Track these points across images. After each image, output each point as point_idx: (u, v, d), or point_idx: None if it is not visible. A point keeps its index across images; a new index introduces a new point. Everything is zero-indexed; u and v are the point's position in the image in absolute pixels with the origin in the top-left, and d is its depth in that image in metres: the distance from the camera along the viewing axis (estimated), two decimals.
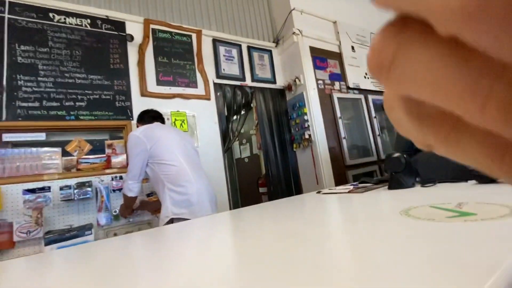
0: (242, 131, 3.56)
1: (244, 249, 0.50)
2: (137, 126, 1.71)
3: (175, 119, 2.30)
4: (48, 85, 1.82)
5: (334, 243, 0.46)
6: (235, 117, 3.19)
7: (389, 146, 3.36)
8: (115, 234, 1.88)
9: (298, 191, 2.95)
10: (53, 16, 1.95)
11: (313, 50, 2.99)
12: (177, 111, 2.32)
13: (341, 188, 1.22)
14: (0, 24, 1.79)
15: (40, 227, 1.62)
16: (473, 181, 0.84)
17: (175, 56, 2.38)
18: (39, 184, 1.68)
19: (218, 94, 2.66)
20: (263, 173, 3.11)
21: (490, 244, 0.33)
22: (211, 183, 1.73)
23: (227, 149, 2.73)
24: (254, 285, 0.29)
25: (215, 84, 2.61)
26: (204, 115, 2.48)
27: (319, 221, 0.66)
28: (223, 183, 2.49)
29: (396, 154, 1.01)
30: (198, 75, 2.49)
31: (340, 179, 2.78)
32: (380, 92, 3.53)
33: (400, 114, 0.09)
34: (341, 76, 3.19)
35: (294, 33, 2.86)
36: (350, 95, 3.22)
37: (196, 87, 2.47)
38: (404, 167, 0.99)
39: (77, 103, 1.91)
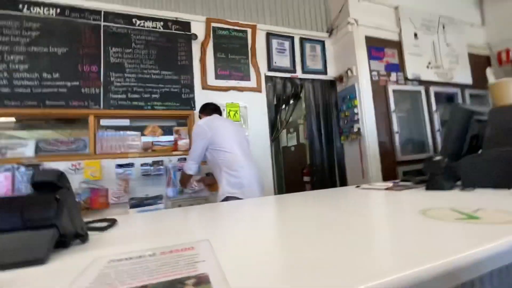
0: (290, 120, 3.68)
1: (284, 226, 0.68)
2: (199, 116, 2.00)
3: (230, 110, 2.55)
4: (132, 81, 2.24)
5: (353, 230, 0.60)
6: (283, 106, 3.33)
7: None
8: (179, 205, 2.27)
9: (343, 183, 2.99)
10: (135, 21, 2.33)
11: (369, 39, 2.88)
12: (232, 103, 2.57)
13: (380, 184, 1.29)
14: (98, 31, 2.23)
15: (126, 194, 2.08)
16: None
17: (231, 51, 2.60)
18: (126, 161, 2.13)
19: (269, 85, 2.81)
20: (308, 163, 3.21)
21: (455, 241, 0.44)
22: (259, 169, 1.94)
23: (274, 138, 2.90)
24: (293, 255, 0.46)
25: (266, 76, 2.77)
26: (255, 106, 2.68)
27: (349, 212, 0.79)
28: (269, 170, 2.70)
29: (436, 158, 1.04)
30: (251, 68, 2.68)
31: (389, 175, 2.72)
32: (444, 84, 3.22)
33: None
34: (399, 67, 3.02)
35: (349, 22, 2.80)
36: (408, 87, 3.03)
37: (249, 80, 2.67)
38: (443, 171, 1.02)
39: (152, 95, 2.29)
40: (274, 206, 1.03)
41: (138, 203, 2.08)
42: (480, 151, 1.22)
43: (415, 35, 3.15)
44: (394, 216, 0.69)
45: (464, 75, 3.38)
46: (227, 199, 1.56)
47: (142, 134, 2.32)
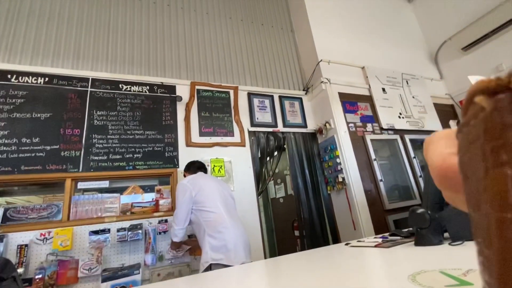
0: (276, 171, 3.68)
1: None
2: (184, 175, 1.96)
3: (214, 165, 2.54)
4: (115, 142, 2.23)
5: None
6: (268, 158, 3.36)
7: None
8: (159, 274, 2.05)
9: (335, 236, 2.87)
10: (122, 86, 2.44)
11: (342, 95, 3.13)
12: (216, 158, 2.57)
13: (369, 240, 1.24)
14: (84, 96, 2.31)
15: (99, 265, 1.87)
16: None
17: (215, 110, 2.72)
18: (101, 226, 1.97)
19: (252, 139, 2.88)
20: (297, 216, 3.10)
21: None
22: (246, 225, 1.84)
23: (261, 192, 2.85)
24: None
25: (249, 132, 2.86)
26: (239, 160, 2.69)
27: (337, 282, 0.73)
28: (257, 224, 2.57)
29: (420, 210, 1.03)
30: (235, 125, 2.77)
31: (379, 225, 2.66)
32: (417, 131, 3.43)
33: None
34: (373, 118, 3.23)
35: (322, 81, 3.07)
36: (385, 136, 3.19)
37: (232, 135, 2.73)
38: (429, 224, 1.00)
39: (135, 155, 2.27)
40: (259, 279, 0.94)
41: (112, 275, 1.86)
42: None
43: (383, 89, 3.46)
44: (384, 284, 0.63)
45: (433, 123, 3.63)
46: (210, 267, 1.42)
47: (121, 195, 2.21)
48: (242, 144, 2.75)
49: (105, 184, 2.21)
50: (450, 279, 0.57)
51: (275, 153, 3.37)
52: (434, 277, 0.59)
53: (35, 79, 2.20)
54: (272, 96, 3.12)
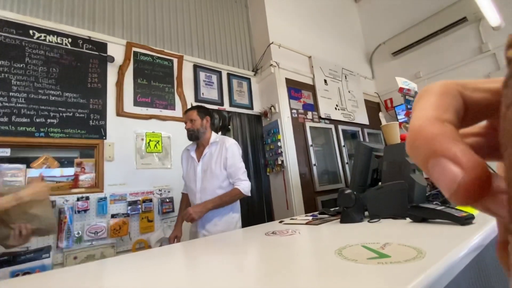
0: None
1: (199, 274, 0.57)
2: (202, 118, 1.67)
3: (150, 140, 2.32)
4: (20, 101, 1.80)
5: (274, 276, 0.54)
6: None
7: None
8: (75, 257, 1.81)
9: (270, 215, 3.02)
10: (33, 33, 1.96)
11: (288, 81, 3.20)
12: (153, 132, 2.35)
13: (301, 218, 1.31)
14: None
15: None
16: (408, 220, 0.97)
17: (155, 78, 2.45)
18: None
19: None
20: None
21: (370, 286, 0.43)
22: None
23: None
24: None
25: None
26: (179, 136, 2.52)
27: (266, 255, 0.73)
28: None
29: (347, 191, 1.13)
30: (177, 98, 2.56)
31: (309, 205, 2.90)
32: (348, 123, 3.80)
33: None
34: (314, 107, 3.42)
35: (271, 65, 3.07)
36: (322, 125, 3.43)
37: (173, 109, 2.53)
38: (354, 203, 1.11)
39: (48, 120, 1.88)
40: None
41: (11, 260, 1.56)
42: (380, 184, 1.41)
43: (325, 81, 3.69)
44: (313, 259, 0.66)
45: (362, 117, 4.08)
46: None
47: (28, 167, 1.84)
48: (183, 119, 2.57)
49: (4, 152, 1.79)
50: (370, 252, 0.62)
51: (219, 132, 3.29)
52: (357, 251, 0.65)
53: None
54: (220, 72, 2.98)
